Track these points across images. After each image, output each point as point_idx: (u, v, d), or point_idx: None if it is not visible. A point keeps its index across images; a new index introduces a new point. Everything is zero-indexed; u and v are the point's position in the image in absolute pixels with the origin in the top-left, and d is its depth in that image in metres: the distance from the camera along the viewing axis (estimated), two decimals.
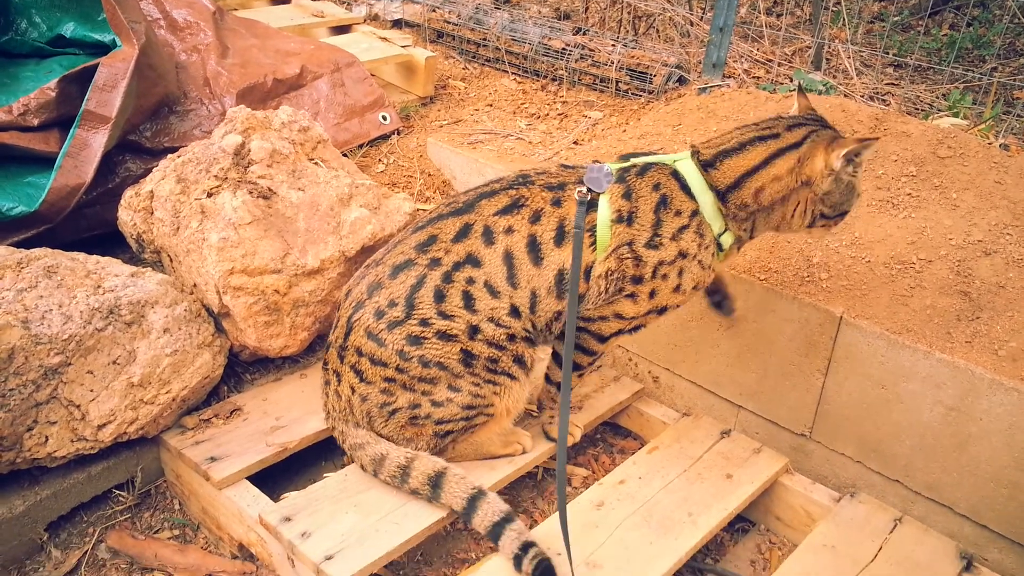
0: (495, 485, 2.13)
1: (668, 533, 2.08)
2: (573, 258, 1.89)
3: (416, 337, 1.92)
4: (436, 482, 1.96)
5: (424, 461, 2.00)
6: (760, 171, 1.94)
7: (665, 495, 2.21)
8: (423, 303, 1.92)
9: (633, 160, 2.02)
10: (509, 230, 1.94)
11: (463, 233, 1.94)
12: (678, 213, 1.96)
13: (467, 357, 1.94)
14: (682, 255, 1.96)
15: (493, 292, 1.93)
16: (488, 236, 1.93)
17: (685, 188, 1.97)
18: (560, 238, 1.94)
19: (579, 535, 2.05)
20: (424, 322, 1.92)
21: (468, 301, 1.92)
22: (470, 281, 1.92)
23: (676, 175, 1.98)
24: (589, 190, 1.93)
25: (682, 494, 2.21)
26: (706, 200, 1.96)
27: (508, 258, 1.93)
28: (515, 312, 1.95)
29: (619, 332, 2.08)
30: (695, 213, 1.96)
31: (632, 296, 2.00)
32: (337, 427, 2.10)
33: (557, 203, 1.96)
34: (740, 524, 2.43)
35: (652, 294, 2.00)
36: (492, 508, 1.93)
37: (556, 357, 2.18)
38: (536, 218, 1.94)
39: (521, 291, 1.94)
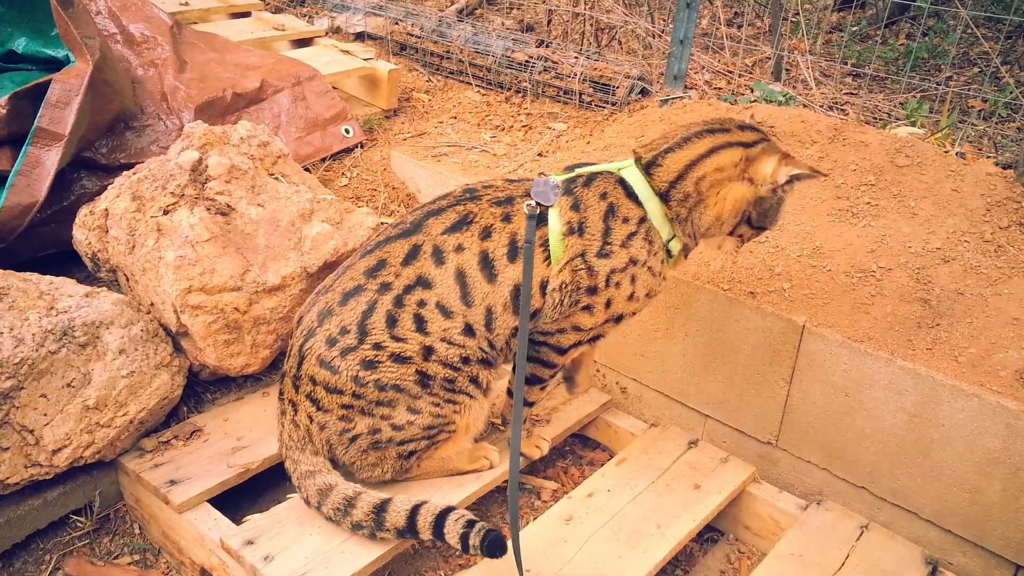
0: (463, 501, 2.11)
1: (637, 546, 2.07)
2: (524, 272, 1.87)
3: (370, 361, 1.89)
4: (381, 507, 1.89)
5: (370, 494, 1.93)
6: (705, 160, 1.93)
7: (634, 507, 2.20)
8: (375, 328, 1.89)
9: (578, 171, 2.01)
10: (459, 248, 1.91)
11: (412, 255, 1.92)
12: (626, 220, 1.95)
13: (423, 378, 1.92)
14: (633, 262, 1.96)
15: (446, 312, 1.90)
16: (438, 256, 1.91)
17: (632, 196, 1.96)
18: (513, 254, 1.92)
19: (548, 550, 2.04)
20: (377, 346, 1.89)
21: (420, 324, 1.89)
22: (421, 304, 1.89)
23: (622, 183, 1.98)
24: (538, 203, 1.91)
25: (650, 506, 2.21)
26: (652, 206, 1.96)
27: (460, 277, 1.90)
28: (469, 331, 1.92)
29: (578, 343, 2.07)
30: (643, 220, 1.96)
31: (588, 308, 1.99)
32: (291, 455, 2.04)
33: (507, 219, 1.94)
34: (709, 534, 2.43)
35: (608, 304, 1.99)
36: (430, 509, 1.88)
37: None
38: (487, 234, 1.92)
39: (475, 309, 1.91)
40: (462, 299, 1.90)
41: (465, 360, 1.93)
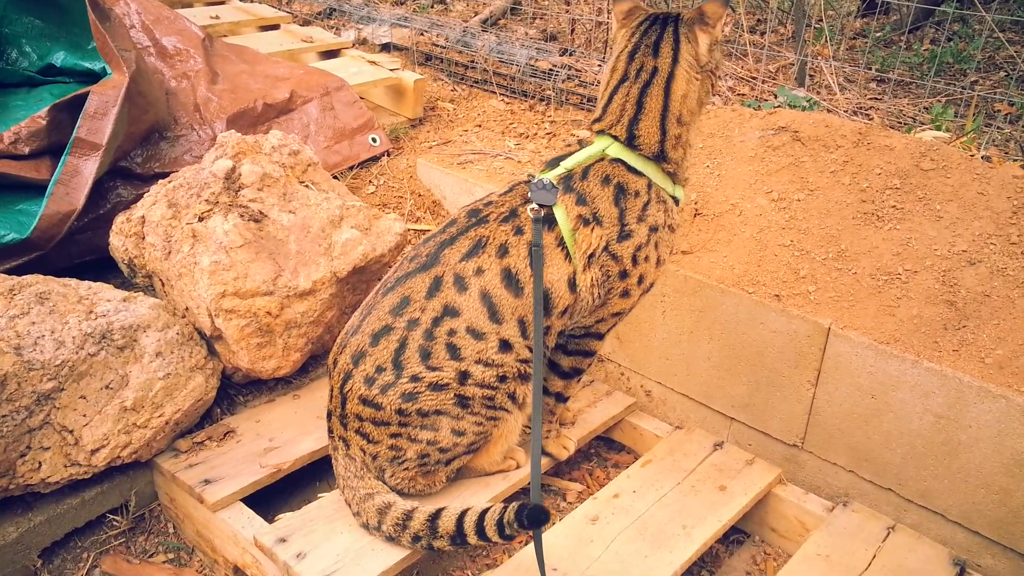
0: (490, 501, 2.14)
1: (663, 546, 2.08)
2: (535, 276, 1.88)
3: (410, 393, 1.91)
4: (436, 514, 1.91)
5: (424, 508, 1.94)
6: (669, 106, 1.97)
7: (659, 508, 2.21)
8: (410, 362, 1.91)
9: (563, 165, 2.00)
10: (479, 271, 1.92)
11: (435, 287, 1.92)
12: (636, 194, 1.97)
13: (462, 400, 1.93)
14: (653, 229, 1.99)
15: (477, 335, 1.91)
16: (460, 283, 1.92)
17: (632, 169, 1.98)
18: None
19: (574, 550, 2.06)
20: (415, 378, 1.91)
21: (453, 352, 1.90)
22: (451, 332, 1.90)
23: (619, 161, 1.98)
24: (540, 206, 1.92)
25: (676, 507, 2.22)
26: (651, 171, 1.99)
27: (486, 298, 1.91)
28: (506, 346, 1.93)
29: (615, 325, 2.12)
30: (650, 185, 1.99)
31: (625, 293, 2.03)
32: (349, 484, 2.02)
33: (519, 231, 1.95)
34: (735, 536, 2.44)
35: (640, 280, 2.03)
36: (472, 513, 1.88)
37: (554, 367, 2.18)
38: (504, 251, 1.93)
39: (507, 324, 1.92)
40: (491, 318, 1.91)
41: (502, 378, 1.95)
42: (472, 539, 1.86)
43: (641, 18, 2.03)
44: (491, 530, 1.83)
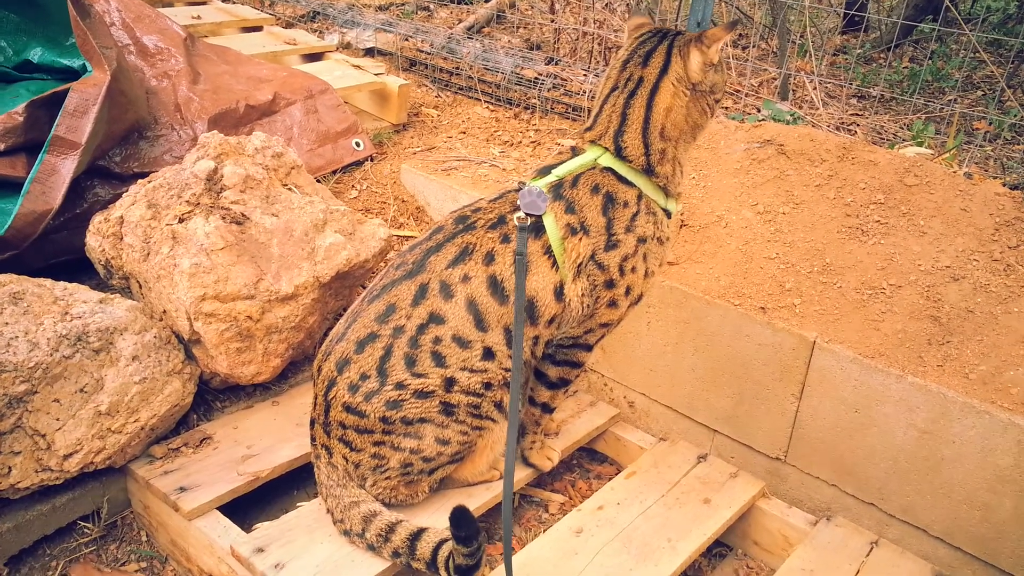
0: (474, 512, 2.10)
1: (648, 559, 2.06)
2: (516, 285, 1.84)
3: (394, 401, 1.88)
4: (417, 535, 1.90)
5: (408, 524, 1.93)
6: (651, 118, 1.94)
7: (643, 521, 2.19)
8: (395, 369, 1.88)
9: (554, 172, 1.98)
10: (465, 278, 1.89)
11: (420, 294, 1.90)
12: (625, 204, 1.95)
13: (447, 407, 1.90)
14: (641, 240, 1.97)
15: (463, 343, 1.88)
16: (446, 290, 1.89)
17: (622, 179, 1.96)
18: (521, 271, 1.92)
19: (558, 562, 2.04)
20: (399, 385, 1.88)
21: (439, 360, 1.88)
22: (437, 340, 1.88)
23: (610, 170, 1.96)
24: (528, 215, 1.89)
25: (660, 519, 2.21)
26: (642, 183, 1.97)
27: (472, 305, 1.88)
28: (489, 354, 1.90)
29: (603, 336, 2.09)
30: (640, 196, 1.97)
31: (612, 303, 2.00)
32: (333, 493, 2.00)
33: (506, 239, 1.92)
34: (718, 549, 2.43)
35: (628, 291, 2.00)
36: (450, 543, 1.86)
37: (541, 376, 2.15)
38: (490, 259, 1.90)
39: (493, 332, 1.90)
40: (477, 326, 1.89)
41: (488, 385, 1.92)
42: (443, 573, 1.84)
43: (644, 31, 2.03)
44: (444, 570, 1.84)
